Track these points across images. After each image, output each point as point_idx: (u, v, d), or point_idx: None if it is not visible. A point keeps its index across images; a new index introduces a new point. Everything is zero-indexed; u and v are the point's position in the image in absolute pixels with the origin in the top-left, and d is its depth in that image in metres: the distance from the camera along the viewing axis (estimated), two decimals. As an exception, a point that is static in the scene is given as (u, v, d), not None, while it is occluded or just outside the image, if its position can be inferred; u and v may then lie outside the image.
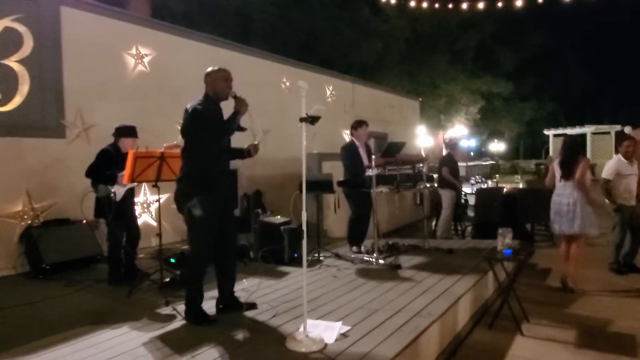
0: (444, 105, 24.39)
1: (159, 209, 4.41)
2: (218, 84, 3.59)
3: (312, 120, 3.05)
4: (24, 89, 5.55)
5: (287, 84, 9.25)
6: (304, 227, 3.05)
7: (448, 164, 7.64)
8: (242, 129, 3.59)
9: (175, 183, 3.62)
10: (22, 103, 5.52)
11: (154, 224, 6.83)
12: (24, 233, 5.30)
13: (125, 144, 4.76)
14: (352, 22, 17.34)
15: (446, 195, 7.67)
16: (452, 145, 8.75)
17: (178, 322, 3.58)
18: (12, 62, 5.49)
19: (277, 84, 9.09)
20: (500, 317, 4.27)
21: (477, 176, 10.85)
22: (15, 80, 5.49)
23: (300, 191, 5.55)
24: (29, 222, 5.42)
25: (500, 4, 14.13)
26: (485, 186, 9.26)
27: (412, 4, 15.83)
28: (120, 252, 4.75)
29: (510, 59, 26.61)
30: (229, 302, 3.76)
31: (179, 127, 7.37)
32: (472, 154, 34.00)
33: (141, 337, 3.29)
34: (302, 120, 3.03)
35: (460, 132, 28.29)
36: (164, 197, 6.77)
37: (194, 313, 3.55)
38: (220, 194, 3.52)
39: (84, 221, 5.68)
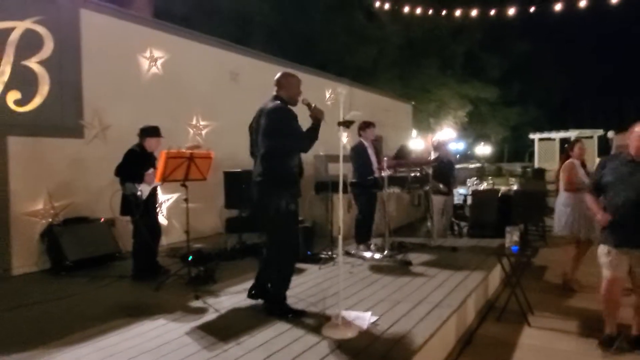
0: (434, 110, 24.94)
1: (187, 208, 4.58)
2: (294, 89, 3.64)
3: (348, 124, 3.29)
4: (44, 89, 5.67)
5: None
6: (341, 225, 3.30)
7: (435, 169, 7.71)
8: None
9: (257, 184, 3.61)
10: (42, 104, 5.64)
11: (165, 222, 6.99)
12: (45, 231, 5.43)
13: (150, 143, 4.95)
14: (347, 28, 17.71)
15: (435, 201, 7.73)
16: (438, 147, 8.77)
17: (212, 314, 3.78)
18: (32, 63, 5.61)
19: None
20: (508, 310, 4.57)
21: (473, 178, 11.21)
22: (35, 81, 5.61)
23: (316, 192, 5.82)
24: (49, 220, 5.55)
25: (492, 12, 14.59)
26: (481, 188, 9.61)
27: (406, 10, 16.22)
28: (145, 248, 4.92)
29: (496, 65, 27.34)
30: (261, 291, 3.90)
31: (189, 128, 7.61)
32: (458, 156, 34.56)
33: (182, 327, 3.49)
34: (339, 124, 3.27)
35: (448, 135, 28.78)
36: (175, 196, 6.98)
37: (282, 307, 3.66)
38: (298, 190, 3.70)
39: (102, 219, 5.84)
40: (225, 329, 3.40)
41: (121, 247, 5.88)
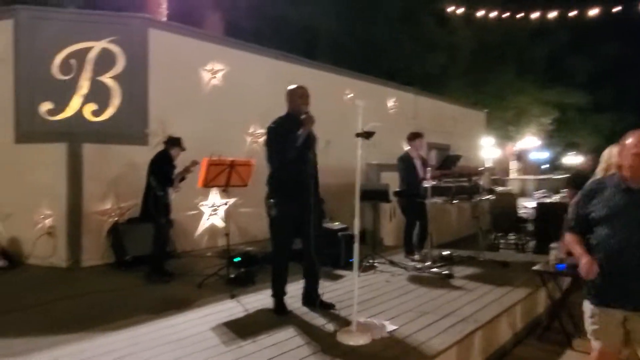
0: (512, 117, 23.69)
1: (228, 212, 4.88)
2: (293, 100, 3.94)
3: (367, 135, 3.33)
4: (115, 101, 6.30)
5: (350, 96, 9.58)
6: (356, 233, 3.33)
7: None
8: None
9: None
10: (114, 114, 6.28)
11: (222, 225, 7.38)
12: (111, 228, 6.01)
13: (177, 152, 5.36)
14: (416, 35, 17.49)
15: None
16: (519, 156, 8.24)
17: (240, 313, 3.99)
18: (106, 79, 6.27)
19: (339, 96, 9.44)
20: (551, 330, 4.30)
21: (542, 190, 10.54)
22: (108, 94, 6.27)
23: (361, 200, 5.87)
24: (116, 219, 6.14)
25: (572, 14, 13.68)
26: (549, 200, 9.01)
27: (480, 14, 15.71)
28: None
29: (584, 68, 25.29)
30: (308, 299, 4.08)
31: (246, 137, 7.96)
32: (543, 166, 32.51)
33: (209, 323, 3.73)
34: (357, 135, 3.33)
35: (531, 144, 27.25)
36: (231, 201, 7.36)
37: (276, 305, 3.96)
38: (296, 198, 3.78)
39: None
40: (247, 327, 3.59)
41: (177, 247, 6.33)
